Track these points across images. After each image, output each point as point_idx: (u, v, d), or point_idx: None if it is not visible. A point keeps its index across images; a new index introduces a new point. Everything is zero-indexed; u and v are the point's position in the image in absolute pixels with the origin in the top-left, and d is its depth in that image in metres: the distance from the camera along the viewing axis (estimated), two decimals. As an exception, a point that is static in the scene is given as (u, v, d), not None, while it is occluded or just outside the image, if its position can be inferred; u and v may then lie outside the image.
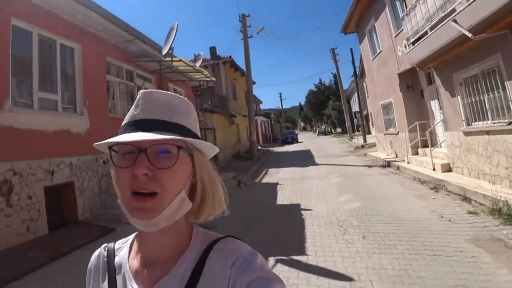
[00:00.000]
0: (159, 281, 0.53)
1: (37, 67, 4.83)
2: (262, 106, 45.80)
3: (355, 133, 28.02)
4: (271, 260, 3.67)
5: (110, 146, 0.53)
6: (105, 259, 0.63)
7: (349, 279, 3.02)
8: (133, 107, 0.56)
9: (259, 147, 22.48)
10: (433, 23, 5.87)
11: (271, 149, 24.97)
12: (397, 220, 4.59)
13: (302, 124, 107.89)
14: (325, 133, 49.14)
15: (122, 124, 0.55)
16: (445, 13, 5.41)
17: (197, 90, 11.22)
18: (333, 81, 49.51)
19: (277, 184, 9.02)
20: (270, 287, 0.49)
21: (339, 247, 3.84)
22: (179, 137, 0.52)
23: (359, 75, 21.80)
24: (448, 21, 5.16)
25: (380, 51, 10.97)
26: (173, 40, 7.05)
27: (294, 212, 5.77)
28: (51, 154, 4.75)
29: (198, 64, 9.64)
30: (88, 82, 5.86)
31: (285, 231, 4.72)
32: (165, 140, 0.51)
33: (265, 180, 10.23)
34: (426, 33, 6.15)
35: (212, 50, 20.84)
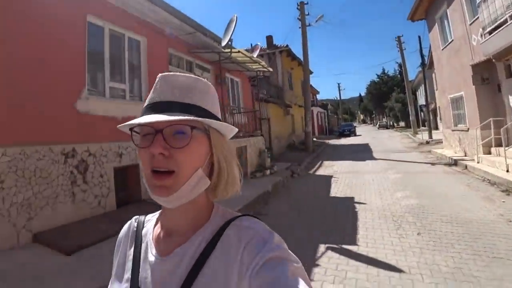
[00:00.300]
0: (177, 248, 0.57)
1: (108, 59, 5.43)
2: (319, 97, 44.88)
3: (420, 128, 26.10)
4: (322, 247, 3.85)
5: (131, 128, 0.57)
6: (134, 229, 0.68)
7: (399, 270, 3.09)
8: (152, 90, 0.59)
9: (314, 139, 22.27)
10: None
11: (326, 141, 24.58)
12: (457, 220, 4.41)
13: (362, 117, 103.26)
14: (386, 126, 46.52)
15: (143, 107, 0.59)
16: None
17: (254, 80, 11.56)
18: (397, 71, 46.35)
19: (331, 176, 9.04)
20: (287, 267, 0.48)
21: (392, 241, 3.88)
22: (191, 118, 0.53)
23: (427, 65, 20.18)
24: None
25: (452, 40, 10.11)
26: (232, 32, 7.42)
27: (347, 205, 5.83)
28: (120, 138, 5.34)
29: (255, 54, 9.95)
30: (152, 73, 6.40)
31: (337, 222, 4.85)
32: (178, 121, 0.53)
33: (319, 172, 10.29)
34: (505, 21, 5.62)
35: (269, 39, 20.96)
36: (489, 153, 8.26)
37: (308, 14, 17.16)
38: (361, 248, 3.75)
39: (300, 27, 17.08)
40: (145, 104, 0.58)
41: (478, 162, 8.12)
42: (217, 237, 0.56)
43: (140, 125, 0.54)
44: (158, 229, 0.64)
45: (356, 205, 5.76)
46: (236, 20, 7.39)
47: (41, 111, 4.04)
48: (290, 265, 0.49)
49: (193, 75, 0.60)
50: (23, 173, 3.80)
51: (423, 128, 25.25)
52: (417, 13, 12.86)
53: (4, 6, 3.75)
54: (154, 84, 0.59)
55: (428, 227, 4.24)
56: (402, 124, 42.09)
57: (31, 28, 3.99)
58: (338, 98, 65.66)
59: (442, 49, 11.25)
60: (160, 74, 0.59)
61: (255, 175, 8.19)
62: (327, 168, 11.01)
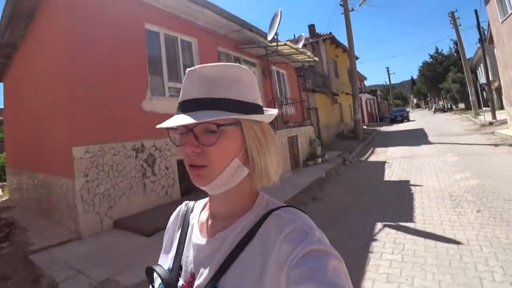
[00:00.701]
0: (219, 232, 0.59)
1: (165, 61, 6.05)
2: (366, 83, 43.22)
3: (482, 109, 24.00)
4: (379, 224, 4.08)
5: (168, 128, 0.59)
6: (184, 212, 0.73)
7: (457, 242, 3.23)
8: (182, 87, 0.60)
9: (364, 127, 21.74)
10: None
11: (377, 128, 23.80)
12: (522, 198, 4.32)
13: (415, 101, 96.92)
14: (443, 110, 43.31)
15: (177, 107, 0.60)
16: None
17: (300, 71, 11.74)
18: (453, 49, 42.74)
19: (384, 162, 8.99)
20: (328, 260, 0.48)
21: (449, 218, 3.97)
22: (211, 119, 0.53)
23: (487, 40, 18.54)
24: None
25: (513, 12, 9.34)
26: (278, 26, 7.73)
27: (402, 187, 5.90)
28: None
29: (300, 45, 10.13)
30: (206, 71, 7.04)
31: (392, 203, 5.00)
32: (198, 123, 0.53)
33: (371, 159, 10.24)
34: None
35: (311, 28, 20.80)
36: None
37: (350, -1, 16.78)
38: (418, 224, 3.92)
39: (342, 13, 16.77)
40: (178, 102, 0.60)
41: (549, 140, 7.53)
42: (257, 225, 0.57)
43: (166, 128, 0.58)
44: (204, 213, 0.68)
45: (412, 187, 5.81)
46: (281, 14, 7.69)
47: (114, 112, 4.74)
48: (331, 259, 0.48)
49: (221, 63, 0.59)
50: (103, 167, 4.52)
51: (485, 109, 23.20)
52: (473, -16, 11.97)
53: (81, 22, 4.52)
54: (183, 81, 0.60)
55: (489, 205, 4.23)
56: (461, 106, 38.89)
57: (102, 39, 4.69)
58: (388, 83, 62.46)
59: (502, 22, 10.41)
60: (187, 69, 0.59)
61: (307, 164, 8.49)
62: (379, 154, 10.89)
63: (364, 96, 30.68)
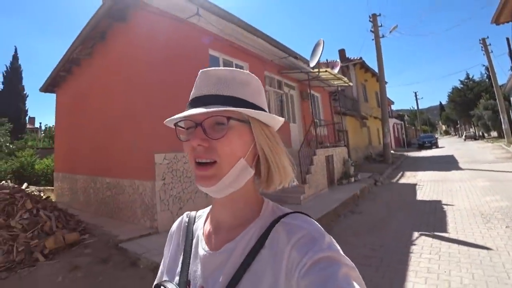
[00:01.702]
0: (227, 243, 0.58)
1: None
2: (393, 107, 43.17)
3: (516, 137, 23.53)
4: (415, 234, 4.65)
5: (176, 124, 0.60)
6: (186, 224, 0.71)
7: (487, 248, 3.78)
8: (194, 86, 0.61)
9: (392, 151, 21.93)
10: None
11: (405, 153, 23.86)
12: (549, 218, 4.76)
13: (444, 127, 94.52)
14: (474, 137, 42.28)
15: (187, 104, 0.61)
16: None
17: (335, 94, 12.53)
18: (485, 75, 42.15)
19: (415, 184, 9.42)
20: (339, 267, 0.47)
21: (480, 231, 4.49)
22: (224, 108, 0.54)
23: (520, 69, 18.64)
24: None
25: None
26: (320, 54, 8.62)
27: (434, 206, 6.39)
28: None
29: (336, 70, 10.97)
30: (258, 95, 7.94)
31: (426, 218, 5.53)
32: (213, 113, 0.54)
33: (402, 181, 10.66)
34: None
35: (341, 52, 21.67)
36: None
37: (381, 26, 17.56)
38: (451, 234, 4.47)
39: (373, 39, 17.57)
40: (189, 100, 0.61)
41: None
42: (266, 234, 0.56)
43: (179, 120, 0.58)
44: (208, 224, 0.66)
45: (444, 206, 6.29)
46: (323, 44, 8.58)
47: None
48: (342, 267, 0.47)
49: (232, 68, 0.61)
50: (176, 173, 5.41)
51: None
52: (503, 14, 12.42)
53: (159, 45, 5.55)
54: (196, 80, 0.61)
55: (518, 222, 4.70)
56: (493, 134, 37.88)
57: (176, 61, 5.66)
58: (415, 108, 61.81)
59: (535, 54, 10.79)
60: (201, 70, 0.61)
61: (341, 182, 9.09)
62: (409, 178, 11.27)
63: (392, 121, 30.79)
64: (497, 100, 24.10)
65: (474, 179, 9.11)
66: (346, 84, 11.44)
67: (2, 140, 15.23)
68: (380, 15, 17.09)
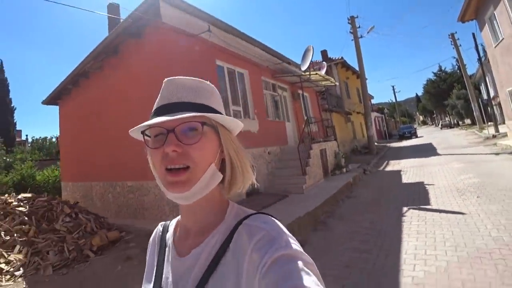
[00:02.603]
0: (194, 249, 0.60)
1: (228, 88, 7.78)
2: (373, 101, 44.88)
3: (487, 123, 25.35)
4: (404, 208, 5.54)
5: (143, 132, 0.60)
6: (160, 233, 0.74)
7: (462, 213, 4.70)
8: (159, 95, 0.62)
9: (375, 143, 23.20)
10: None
11: (388, 144, 25.25)
12: (511, 189, 5.76)
13: (421, 118, 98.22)
14: (450, 125, 44.68)
15: (151, 112, 0.62)
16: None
17: (323, 93, 13.47)
18: (456, 66, 44.55)
19: (400, 171, 10.44)
20: (296, 264, 0.48)
21: (456, 202, 5.44)
22: (201, 114, 0.56)
23: (487, 59, 20.24)
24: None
25: (502, 39, 11.03)
26: (311, 59, 9.49)
27: (418, 186, 7.36)
28: (244, 146, 7.63)
29: (323, 72, 11.89)
30: (254, 96, 8.66)
31: (412, 196, 6.46)
32: (189, 118, 0.55)
33: (387, 169, 11.69)
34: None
35: (324, 53, 22.76)
36: (551, 138, 9.03)
37: (359, 27, 18.72)
38: (433, 206, 5.40)
39: (352, 40, 18.70)
40: (153, 109, 0.61)
41: (540, 148, 8.95)
42: (230, 237, 0.57)
43: (152, 126, 0.57)
44: (178, 231, 0.70)
45: (426, 185, 7.27)
46: (313, 50, 9.45)
47: None
48: (300, 263, 0.48)
49: (196, 78, 0.63)
50: None
51: (490, 123, 24.55)
52: (467, 13, 13.76)
53: (171, 58, 6.23)
54: (161, 90, 0.62)
55: (486, 193, 5.68)
56: (467, 121, 40.21)
57: (188, 72, 6.41)
58: (393, 101, 64.17)
59: (495, 47, 12.10)
60: (166, 79, 0.62)
61: (335, 173, 9.98)
62: (394, 165, 12.33)
63: (373, 115, 32.10)
64: (468, 90, 25.84)
65: (451, 162, 10.22)
66: (333, 84, 12.39)
67: (-2, 154, 15.38)
68: (357, 17, 18.23)
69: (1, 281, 3.89)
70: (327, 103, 15.07)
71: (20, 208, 5.47)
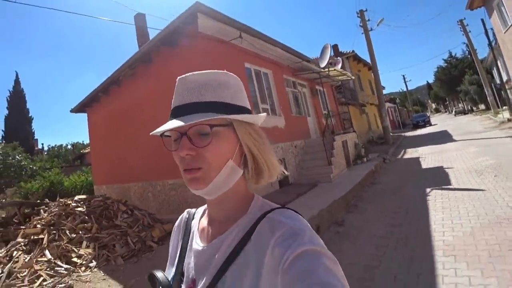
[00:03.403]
0: (216, 238, 0.63)
1: (257, 88, 8.43)
2: (384, 92, 44.87)
3: (502, 108, 25.31)
4: (428, 189, 6.10)
5: (162, 135, 0.62)
6: (186, 220, 0.77)
7: (482, 190, 5.25)
8: (174, 94, 0.63)
9: (390, 133, 23.54)
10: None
11: (402, 134, 25.51)
12: (526, 166, 6.25)
13: (434, 105, 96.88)
14: (464, 112, 44.29)
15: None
16: None
17: (340, 87, 13.99)
18: (466, 52, 44.06)
19: (418, 157, 10.93)
20: (320, 260, 0.48)
21: (475, 181, 5.97)
22: (202, 119, 0.56)
23: (496, 44, 20.31)
24: None
25: (511, 25, 11.35)
26: (329, 56, 10.06)
27: (438, 170, 7.88)
28: (274, 141, 8.23)
29: (338, 67, 12.43)
30: (278, 94, 9.28)
31: (433, 179, 7.00)
32: (193, 124, 0.56)
33: (406, 157, 12.17)
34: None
35: (335, 47, 23.17)
36: None
37: (369, 20, 19.05)
38: (454, 186, 5.95)
39: (362, 33, 19.06)
40: (171, 110, 0.63)
41: (555, 128, 9.31)
42: (252, 229, 0.59)
43: (163, 131, 0.59)
44: (203, 219, 0.72)
45: (445, 169, 7.78)
46: (331, 47, 10.02)
47: None
48: (323, 259, 0.48)
49: (211, 70, 0.63)
50: None
51: (505, 107, 24.53)
52: (476, 1, 14.05)
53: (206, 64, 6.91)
54: (175, 88, 0.63)
55: (503, 172, 6.18)
56: (481, 107, 39.86)
57: None
58: (404, 90, 63.74)
59: (504, 32, 12.41)
60: (179, 77, 0.63)
61: (356, 162, 10.55)
62: (412, 153, 12.80)
63: (386, 105, 32.41)
64: (480, 75, 25.82)
65: (467, 147, 10.64)
66: (349, 78, 12.90)
67: (26, 163, 16.43)
68: (366, 10, 18.52)
69: (78, 272, 4.54)
70: (343, 97, 15.57)
71: (79, 209, 6.23)
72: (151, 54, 7.59)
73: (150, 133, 0.65)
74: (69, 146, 32.05)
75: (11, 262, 4.67)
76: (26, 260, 4.67)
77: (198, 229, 0.71)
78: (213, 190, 0.60)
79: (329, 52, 10.00)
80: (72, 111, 11.52)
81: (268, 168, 0.65)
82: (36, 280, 4.19)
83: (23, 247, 5.08)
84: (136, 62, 7.85)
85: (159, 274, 0.64)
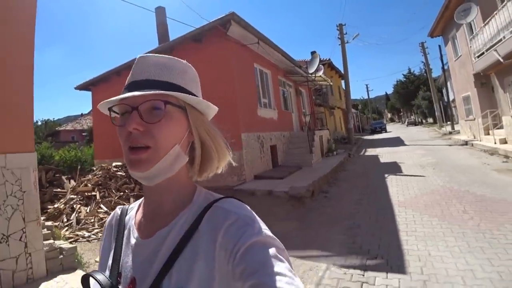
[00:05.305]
0: (160, 230, 0.58)
1: (260, 86, 9.99)
2: (348, 99, 48.46)
3: (447, 122, 29.22)
4: (385, 175, 8.11)
5: (110, 108, 0.59)
6: (118, 217, 0.70)
7: (423, 176, 7.34)
8: (130, 72, 0.61)
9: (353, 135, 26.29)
10: (487, 47, 9.39)
11: (362, 137, 28.46)
12: (457, 165, 8.53)
13: (389, 115, 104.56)
14: (415, 123, 49.28)
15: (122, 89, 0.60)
16: (493, 43, 8.96)
17: (319, 91, 15.95)
18: (423, 70, 49.00)
19: (377, 155, 13.21)
20: (271, 251, 0.48)
21: (419, 171, 8.12)
22: (161, 92, 0.54)
23: (448, 68, 23.73)
24: (492, 49, 8.76)
25: (460, 55, 14.03)
26: (318, 64, 11.87)
27: (392, 164, 10.05)
28: (269, 130, 9.88)
29: (320, 73, 14.33)
30: (274, 91, 10.94)
31: (389, 169, 9.10)
32: (149, 96, 0.54)
33: (367, 154, 14.46)
34: (483, 53, 9.66)
35: (313, 54, 25.40)
36: (488, 134, 12.12)
37: (346, 33, 21.32)
38: (404, 173, 8.03)
39: (339, 44, 21.29)
40: (125, 85, 0.60)
41: (480, 141, 12.01)
42: (199, 219, 0.56)
43: (113, 103, 0.57)
44: (140, 213, 0.66)
45: (398, 163, 9.97)
46: (319, 56, 11.82)
47: (250, 116, 8.60)
48: (273, 250, 0.49)
49: (170, 56, 0.61)
50: (249, 145, 8.30)
51: (449, 122, 28.43)
52: (436, 31, 16.74)
53: (232, 61, 8.38)
54: (133, 66, 0.60)
55: (439, 167, 8.40)
56: (430, 120, 44.74)
57: (242, 73, 8.55)
58: (365, 98, 68.55)
59: (455, 60, 15.16)
60: (139, 55, 0.61)
61: (328, 154, 12.54)
62: (371, 152, 15.14)
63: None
64: (432, 92, 29.53)
65: (415, 150, 13.12)
66: (328, 84, 14.89)
67: None
68: (345, 24, 20.71)
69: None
70: (321, 99, 17.59)
71: (119, 173, 7.41)
72: (174, 47, 8.82)
73: (98, 105, 0.61)
74: (39, 123, 30.86)
75: (75, 212, 5.82)
76: (88, 211, 5.85)
77: (135, 224, 0.65)
78: (155, 174, 0.56)
79: (318, 60, 11.83)
80: (76, 88, 12.22)
81: (218, 158, 0.65)
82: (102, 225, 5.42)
83: (79, 201, 6.21)
84: (161, 52, 8.98)
85: (99, 276, 0.57)
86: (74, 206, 6.06)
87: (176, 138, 0.58)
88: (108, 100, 0.56)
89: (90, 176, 7.36)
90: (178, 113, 0.58)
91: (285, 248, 0.51)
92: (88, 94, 12.50)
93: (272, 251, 0.48)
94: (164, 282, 0.52)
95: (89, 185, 6.74)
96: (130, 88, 0.57)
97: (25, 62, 4.15)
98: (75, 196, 6.41)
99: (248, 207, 0.58)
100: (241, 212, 0.55)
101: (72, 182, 7.84)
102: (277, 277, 0.44)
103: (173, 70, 0.60)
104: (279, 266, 0.46)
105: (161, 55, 0.61)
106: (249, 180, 7.91)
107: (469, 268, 2.84)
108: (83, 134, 21.29)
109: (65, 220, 5.68)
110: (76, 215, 5.73)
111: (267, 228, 0.53)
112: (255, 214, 0.56)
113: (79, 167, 8.99)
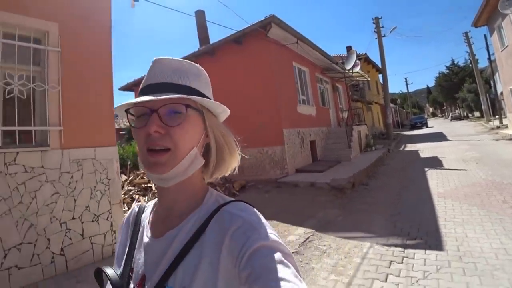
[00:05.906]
0: (169, 231, 0.60)
1: (299, 83, 10.42)
2: (386, 93, 47.01)
3: (495, 116, 27.51)
4: (426, 169, 8.23)
5: (127, 110, 0.60)
6: (135, 214, 0.73)
7: (465, 170, 7.40)
8: (146, 74, 0.62)
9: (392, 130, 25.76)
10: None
11: (401, 133, 27.75)
12: (502, 159, 8.40)
13: (431, 109, 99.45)
14: (459, 118, 46.64)
15: (139, 91, 0.61)
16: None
17: (356, 86, 16.03)
18: (468, 60, 46.18)
19: (417, 150, 13.11)
20: (276, 256, 0.48)
21: (461, 165, 8.14)
22: (185, 96, 0.56)
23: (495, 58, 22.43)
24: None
25: (507, 45, 13.42)
26: (355, 60, 12.07)
27: (433, 159, 10.05)
28: (308, 126, 10.32)
29: (357, 68, 14.43)
30: (312, 88, 11.35)
31: (430, 163, 9.16)
32: (173, 99, 0.55)
33: (406, 149, 14.35)
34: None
35: (348, 49, 25.16)
36: (539, 128, 11.57)
37: (382, 27, 20.96)
38: (445, 167, 8.10)
39: (376, 38, 20.99)
40: (140, 87, 0.60)
41: (530, 135, 11.50)
42: (207, 222, 0.57)
43: (136, 105, 0.58)
44: (155, 212, 0.69)
45: (439, 158, 9.95)
46: (356, 53, 12.01)
47: (290, 112, 9.10)
48: (279, 255, 0.48)
49: (185, 60, 0.63)
50: (291, 140, 8.81)
51: (497, 116, 26.72)
52: (480, 21, 16.05)
53: (273, 62, 8.90)
54: (148, 69, 0.61)
55: (483, 161, 8.34)
56: (476, 114, 42.16)
57: (281, 72, 9.05)
58: (404, 92, 65.90)
59: (501, 51, 14.48)
60: (154, 58, 0.62)
61: (366, 150, 12.70)
62: (411, 147, 14.97)
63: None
64: (478, 84, 27.95)
65: (458, 145, 12.83)
66: (366, 79, 14.94)
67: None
68: (381, 18, 20.38)
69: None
70: (359, 94, 17.62)
71: None
72: (215, 48, 9.52)
73: (115, 107, 0.61)
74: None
75: (135, 201, 6.68)
76: (146, 200, 6.69)
77: (149, 222, 0.67)
78: (172, 177, 0.58)
79: (355, 57, 12.01)
80: (120, 89, 13.38)
81: (231, 159, 0.67)
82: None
83: (137, 192, 7.10)
84: (204, 54, 9.79)
85: (108, 271, 0.60)
86: (133, 196, 6.95)
87: (194, 141, 0.60)
88: (127, 102, 0.57)
89: (142, 170, 8.27)
90: (196, 116, 0.60)
91: (291, 253, 0.51)
92: (122, 95, 13.57)
93: (277, 256, 0.48)
94: (169, 282, 0.54)
95: (144, 177, 7.64)
96: (147, 90, 0.59)
97: (107, 70, 5.01)
98: (133, 188, 7.31)
99: (257, 211, 0.59)
100: (247, 216, 0.55)
101: (124, 176, 8.84)
102: (282, 283, 0.43)
103: (189, 73, 0.61)
104: (285, 272, 0.46)
105: (175, 58, 0.63)
106: (291, 174, 8.41)
107: (503, 247, 3.16)
108: (122, 133, 22.92)
109: (126, 208, 6.57)
110: (136, 204, 6.60)
111: (274, 233, 0.53)
112: (262, 218, 0.57)
113: (129, 163, 10.04)
